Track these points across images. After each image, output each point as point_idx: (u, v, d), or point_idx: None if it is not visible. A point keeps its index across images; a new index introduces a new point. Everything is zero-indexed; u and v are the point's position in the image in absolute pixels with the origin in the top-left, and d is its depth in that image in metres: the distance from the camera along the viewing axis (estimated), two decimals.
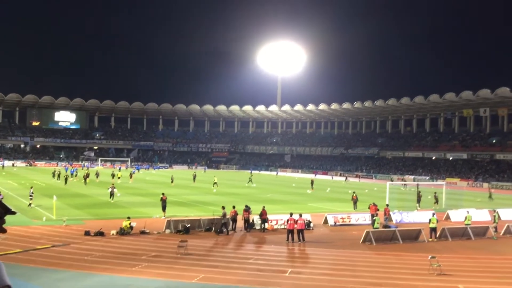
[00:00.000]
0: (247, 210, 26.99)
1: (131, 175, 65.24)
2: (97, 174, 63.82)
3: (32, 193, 35.53)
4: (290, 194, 51.22)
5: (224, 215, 25.88)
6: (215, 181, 56.38)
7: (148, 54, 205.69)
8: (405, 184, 63.30)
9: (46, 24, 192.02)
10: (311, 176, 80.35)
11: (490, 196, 50.28)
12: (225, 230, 25.78)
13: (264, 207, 27.76)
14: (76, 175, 62.62)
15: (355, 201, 38.04)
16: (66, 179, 53.70)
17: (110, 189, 39.41)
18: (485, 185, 74.92)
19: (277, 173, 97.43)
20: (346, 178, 79.70)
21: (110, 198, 38.62)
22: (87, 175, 57.23)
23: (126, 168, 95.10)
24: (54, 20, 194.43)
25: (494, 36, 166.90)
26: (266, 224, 27.06)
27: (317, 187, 57.62)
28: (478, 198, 50.78)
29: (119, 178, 60.59)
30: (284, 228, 25.49)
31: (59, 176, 60.23)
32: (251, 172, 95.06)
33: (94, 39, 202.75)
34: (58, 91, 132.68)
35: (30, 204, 34.39)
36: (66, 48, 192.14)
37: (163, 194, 32.00)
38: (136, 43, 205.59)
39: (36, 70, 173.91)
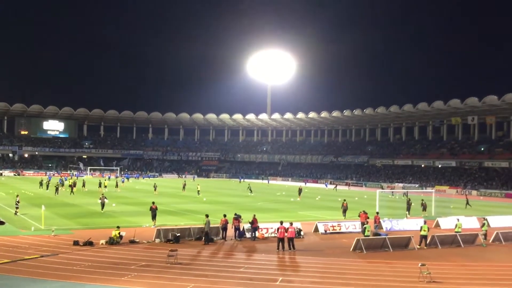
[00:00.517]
0: (237, 218, 26.92)
1: (117, 184, 64.89)
2: (83, 184, 63.58)
3: (18, 201, 35.58)
4: (280, 202, 51.19)
5: (208, 223, 25.61)
6: (198, 189, 57.53)
7: (137, 63, 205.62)
8: (392, 192, 63.56)
9: (34, 32, 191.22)
10: (301, 184, 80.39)
11: (467, 203, 49.84)
12: (212, 238, 25.67)
13: (254, 215, 27.72)
14: (63, 185, 62.13)
15: (344, 209, 38.00)
16: (57, 189, 52.85)
17: (100, 200, 38.00)
18: (474, 192, 75.50)
19: (268, 182, 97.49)
20: (335, 186, 79.84)
21: (101, 209, 37.22)
22: (74, 184, 56.97)
23: (116, 177, 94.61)
24: (42, 29, 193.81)
25: (482, 44, 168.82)
26: (256, 232, 27.00)
27: (308, 195, 57.64)
28: (452, 205, 49.49)
29: (105, 187, 60.39)
30: (275, 237, 25.46)
31: (47, 185, 59.77)
32: (240, 181, 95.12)
33: (83, 48, 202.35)
34: (47, 100, 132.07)
35: (16, 212, 34.53)
36: (54, 56, 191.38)
37: (153, 203, 31.86)
38: (126, 51, 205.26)
39: (24, 79, 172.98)
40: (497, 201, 62.64)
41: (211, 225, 25.94)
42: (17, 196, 37.65)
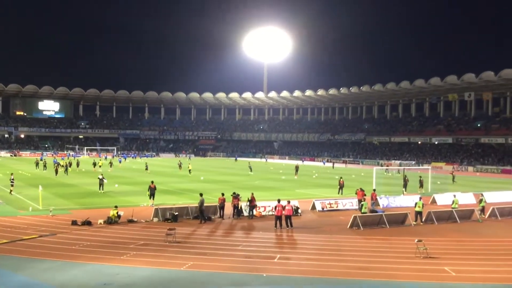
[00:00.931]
0: (236, 197, 26.99)
1: (111, 164, 64.77)
2: (77, 164, 63.81)
3: (12, 179, 36.72)
4: (278, 180, 51.33)
5: (201, 202, 25.48)
6: (189, 168, 58.20)
7: (133, 42, 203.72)
8: (387, 169, 63.71)
9: (28, 12, 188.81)
10: (298, 162, 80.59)
11: (453, 179, 50.12)
12: (210, 216, 25.77)
13: (252, 193, 27.80)
14: (59, 165, 61.98)
15: (341, 186, 38.55)
16: (56, 171, 51.53)
17: (101, 177, 37.51)
18: (470, 168, 75.85)
19: (266, 160, 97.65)
20: (333, 164, 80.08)
21: (100, 189, 36.96)
22: (70, 165, 57.38)
23: (113, 157, 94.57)
24: (37, 8, 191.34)
25: (478, 21, 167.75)
26: (254, 210, 27.11)
27: (306, 173, 57.74)
28: (438, 181, 48.05)
29: (100, 166, 60.64)
30: (272, 215, 25.57)
31: (45, 166, 59.93)
32: (236, 159, 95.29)
33: (78, 27, 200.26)
34: (42, 80, 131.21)
35: (11, 191, 35.51)
36: (49, 36, 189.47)
37: (152, 182, 31.87)
38: (121, 30, 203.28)
39: (19, 59, 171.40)
40: (493, 177, 62.97)
41: (209, 204, 25.99)
42: (12, 174, 38.71)
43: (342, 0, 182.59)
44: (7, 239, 20.33)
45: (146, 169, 60.11)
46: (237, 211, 26.72)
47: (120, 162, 74.55)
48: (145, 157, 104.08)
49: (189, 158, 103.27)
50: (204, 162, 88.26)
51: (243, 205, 27.22)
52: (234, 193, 27.63)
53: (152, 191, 30.72)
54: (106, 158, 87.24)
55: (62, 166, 55.65)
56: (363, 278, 15.66)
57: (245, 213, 27.03)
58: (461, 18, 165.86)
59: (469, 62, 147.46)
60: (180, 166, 63.83)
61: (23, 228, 22.75)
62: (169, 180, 48.96)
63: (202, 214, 25.39)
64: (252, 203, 27.02)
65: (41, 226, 23.45)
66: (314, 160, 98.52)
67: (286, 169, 69.21)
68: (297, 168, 58.45)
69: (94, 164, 61.76)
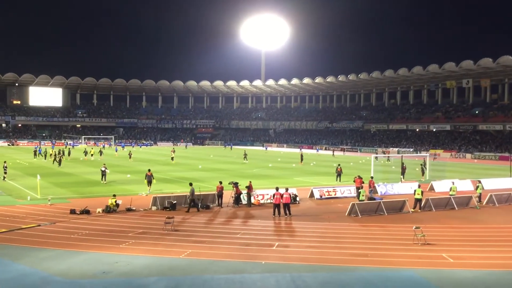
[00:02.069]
0: (237, 185, 26.91)
1: (101, 153, 64.48)
2: (69, 152, 63.99)
3: (5, 167, 38.47)
4: (276, 168, 51.37)
5: (192, 192, 25.36)
6: (172, 156, 58.85)
7: (130, 30, 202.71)
8: (388, 158, 63.72)
9: (25, 0, 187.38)
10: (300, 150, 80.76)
11: (424, 166, 42.18)
12: (208, 205, 25.82)
13: (250, 181, 27.81)
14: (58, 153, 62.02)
15: (339, 173, 38.75)
16: (60, 161, 50.30)
17: (103, 168, 36.95)
18: (468, 155, 75.96)
19: (266, 148, 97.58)
20: (333, 152, 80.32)
21: (102, 179, 36.54)
22: (63, 153, 57.47)
23: (110, 146, 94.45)
24: None
25: (477, 8, 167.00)
26: (252, 198, 27.13)
27: (304, 161, 57.76)
28: (417, 168, 45.24)
29: (92, 155, 60.75)
30: (271, 203, 25.60)
31: (45, 155, 60.18)
32: (230, 147, 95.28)
33: (75, 15, 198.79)
34: (38, 69, 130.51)
35: (4, 178, 36.91)
36: (46, 24, 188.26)
37: (149, 170, 32.02)
38: (118, 18, 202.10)
39: (15, 48, 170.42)
40: (491, 164, 63.12)
41: (207, 193, 25.97)
42: (5, 162, 40.44)
43: None
44: (6, 228, 20.34)
45: (130, 157, 60.24)
46: (236, 199, 26.74)
47: (116, 151, 74.47)
48: (145, 146, 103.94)
49: (186, 146, 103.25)
50: (202, 151, 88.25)
51: (244, 193, 27.20)
52: (232, 182, 27.62)
53: (148, 179, 31.28)
54: (104, 146, 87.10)
55: (51, 155, 55.97)
56: (361, 265, 15.72)
57: (244, 201, 27.05)
58: (460, 4, 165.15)
59: (467, 49, 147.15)
60: (172, 153, 63.98)
61: (21, 217, 22.76)
62: (167, 168, 48.97)
63: (194, 202, 25.41)
64: (249, 190, 27.08)
65: (40, 215, 23.46)
66: (312, 148, 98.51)
67: (284, 157, 69.24)
68: (302, 156, 59.37)
69: (86, 153, 62.57)
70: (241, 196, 27.11)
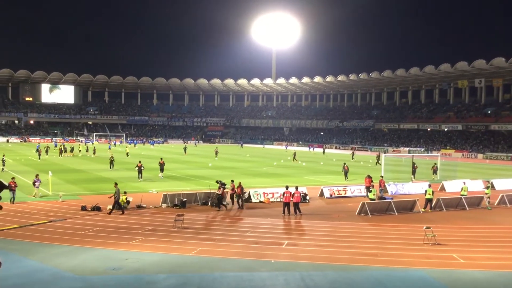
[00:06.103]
0: (224, 186, 25.20)
1: (94, 151, 63.38)
2: (72, 148, 66.49)
3: (4, 160, 41.83)
4: (286, 167, 51.30)
5: (117, 191, 23.55)
6: (127, 151, 63.70)
7: (141, 28, 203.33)
8: (402, 157, 62.92)
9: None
10: (302, 148, 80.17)
11: (377, 161, 47.22)
12: (224, 204, 25.30)
13: (240, 182, 26.24)
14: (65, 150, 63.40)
15: (346, 172, 38.78)
16: (46, 152, 54.56)
17: (139, 164, 36.83)
18: (480, 156, 75.34)
19: (286, 147, 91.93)
20: (353, 152, 70.35)
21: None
22: (65, 150, 61.12)
23: (121, 144, 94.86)
24: None
25: (491, 7, 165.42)
26: (240, 200, 25.54)
27: (313, 160, 57.56)
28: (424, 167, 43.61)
29: (94, 153, 62.26)
30: (280, 201, 25.59)
31: (60, 151, 61.15)
32: (241, 145, 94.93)
33: (87, 13, 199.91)
34: (51, 66, 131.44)
35: (3, 169, 39.91)
36: (58, 23, 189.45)
37: (161, 158, 37.73)
38: (130, 17, 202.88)
39: (28, 46, 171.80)
40: (503, 164, 62.56)
41: (215, 191, 25.56)
42: (3, 155, 43.38)
43: None
44: (18, 224, 20.54)
45: (127, 155, 61.09)
46: (218, 200, 25.01)
47: (114, 145, 76.19)
48: (158, 143, 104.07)
49: (195, 144, 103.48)
50: (211, 149, 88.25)
51: (251, 191, 27.03)
52: (219, 181, 25.80)
53: (161, 166, 37.94)
54: (115, 144, 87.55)
55: (60, 149, 59.89)
56: (371, 264, 15.67)
57: (230, 205, 25.59)
58: (473, 3, 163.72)
59: (480, 48, 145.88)
60: (185, 150, 70.39)
61: (33, 214, 22.97)
62: (177, 166, 49.09)
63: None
64: (239, 192, 25.51)
65: (51, 211, 23.65)
66: (322, 147, 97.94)
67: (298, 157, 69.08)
68: (294, 154, 60.12)
69: (87, 149, 67.07)
70: (250, 194, 26.96)
